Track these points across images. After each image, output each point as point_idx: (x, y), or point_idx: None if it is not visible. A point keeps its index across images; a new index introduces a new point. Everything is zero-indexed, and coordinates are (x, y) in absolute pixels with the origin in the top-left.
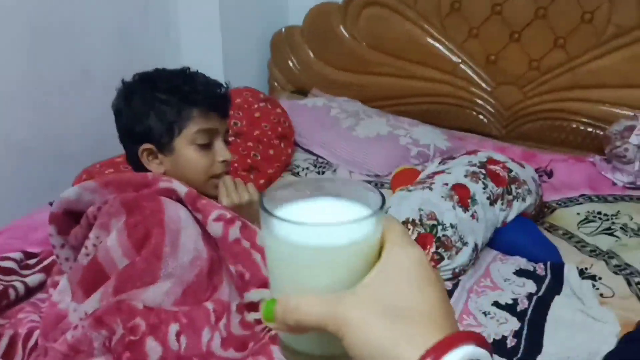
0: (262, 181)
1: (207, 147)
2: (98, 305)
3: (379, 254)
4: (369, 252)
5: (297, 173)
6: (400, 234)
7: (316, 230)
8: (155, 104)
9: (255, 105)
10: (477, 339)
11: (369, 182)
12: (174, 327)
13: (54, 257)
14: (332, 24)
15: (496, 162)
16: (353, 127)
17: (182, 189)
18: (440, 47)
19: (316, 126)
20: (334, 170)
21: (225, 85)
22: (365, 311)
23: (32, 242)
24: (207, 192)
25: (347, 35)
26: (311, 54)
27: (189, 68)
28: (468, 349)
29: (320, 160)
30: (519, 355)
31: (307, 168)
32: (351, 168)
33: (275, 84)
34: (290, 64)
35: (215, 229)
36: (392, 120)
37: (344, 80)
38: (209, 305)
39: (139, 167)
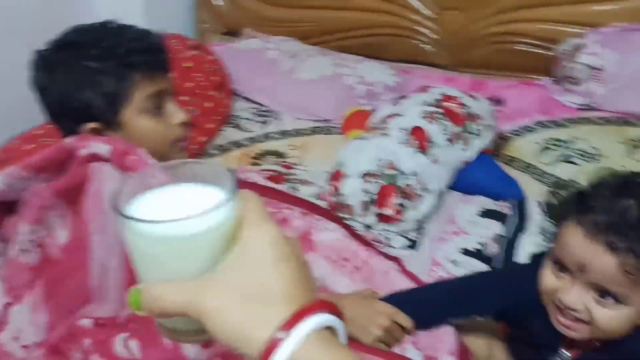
0: (203, 139)
1: (158, 112)
2: (43, 330)
3: (238, 233)
4: (227, 236)
5: (239, 125)
6: (255, 212)
7: (166, 225)
8: (88, 75)
9: (185, 54)
10: (330, 307)
11: (318, 127)
12: (121, 337)
13: None
14: None
15: (451, 98)
16: (294, 70)
17: (103, 149)
18: None
19: (254, 71)
20: (279, 118)
21: (159, 37)
22: (222, 297)
23: None
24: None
25: None
26: None
27: (110, 21)
28: (320, 318)
29: (262, 108)
30: None
31: (249, 118)
32: (296, 114)
33: (205, 26)
34: (219, 3)
35: None
36: (336, 59)
37: (278, 16)
38: None
39: None
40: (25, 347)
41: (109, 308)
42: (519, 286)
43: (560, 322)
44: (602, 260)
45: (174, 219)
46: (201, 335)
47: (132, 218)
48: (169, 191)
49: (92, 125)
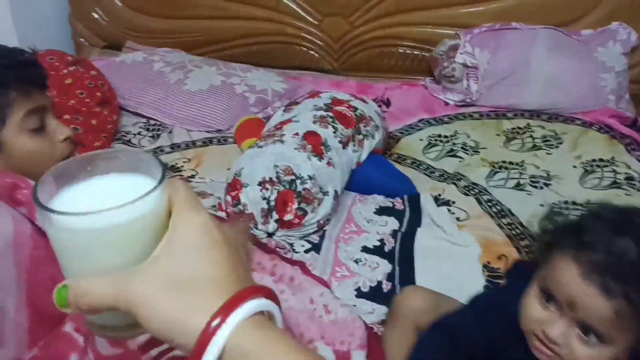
0: None
1: (40, 130)
2: None
3: (168, 221)
4: (156, 224)
5: (129, 141)
6: (184, 200)
7: (90, 217)
8: None
9: (65, 71)
10: (264, 292)
11: (211, 138)
12: None
13: None
14: None
15: (341, 102)
16: (182, 81)
17: None
18: None
19: (140, 85)
20: (170, 132)
21: (31, 50)
22: (152, 287)
23: None
24: None
25: None
26: (118, 1)
27: None
28: (254, 303)
29: (152, 122)
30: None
31: (139, 133)
32: (188, 126)
33: (82, 40)
34: (96, 15)
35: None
36: (223, 68)
37: (160, 27)
38: (68, 326)
39: None
40: None
41: (7, 352)
42: (504, 313)
43: (539, 350)
44: (594, 301)
45: (96, 211)
46: (133, 329)
47: (52, 211)
48: (94, 182)
49: None
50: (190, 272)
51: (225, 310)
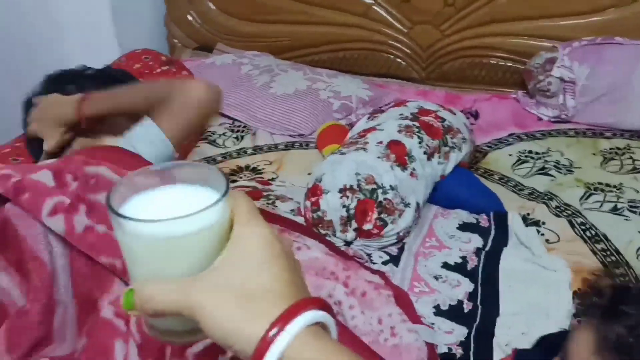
0: (177, 155)
1: None
2: None
3: (230, 233)
4: (219, 235)
5: (214, 141)
6: (246, 213)
7: (163, 224)
8: None
9: (158, 70)
10: (319, 303)
11: (293, 142)
12: None
13: None
14: None
15: (428, 112)
16: (268, 84)
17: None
18: None
19: (228, 86)
20: (253, 134)
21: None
22: (215, 296)
23: None
24: None
25: None
26: (212, 5)
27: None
28: (311, 314)
29: (237, 124)
30: (477, 320)
31: (224, 134)
32: (271, 129)
33: (176, 41)
34: (190, 17)
35: (56, 224)
36: (310, 73)
37: (250, 31)
38: (107, 311)
39: None
40: None
41: (67, 346)
42: None
43: None
44: None
45: (168, 219)
46: (194, 335)
47: (127, 217)
48: (162, 192)
49: None
50: (251, 283)
51: (284, 320)
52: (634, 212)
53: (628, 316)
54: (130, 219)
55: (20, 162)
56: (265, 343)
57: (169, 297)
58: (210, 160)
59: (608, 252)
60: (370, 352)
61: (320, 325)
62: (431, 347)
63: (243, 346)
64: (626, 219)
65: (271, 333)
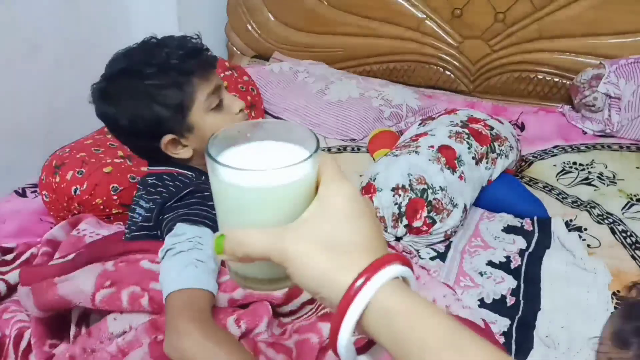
0: None
1: (219, 106)
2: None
3: (316, 189)
4: (307, 189)
5: None
6: (333, 171)
7: (257, 174)
8: (152, 93)
9: (222, 75)
10: (403, 260)
11: (345, 146)
12: (232, 318)
13: (32, 250)
14: None
15: (477, 121)
16: (323, 91)
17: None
18: (405, 3)
19: (285, 92)
20: None
21: (196, 36)
22: (304, 245)
23: (4, 235)
24: None
25: None
26: (270, 16)
27: (146, 40)
28: (395, 268)
29: None
30: (520, 313)
31: None
32: (324, 133)
33: (235, 49)
34: (249, 27)
35: None
36: (362, 82)
37: (306, 42)
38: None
39: (155, 157)
40: None
41: None
42: None
43: None
44: None
45: (261, 169)
46: (276, 283)
47: (223, 165)
48: (256, 145)
49: (168, 137)
50: (340, 235)
51: (370, 271)
52: None
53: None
54: (227, 166)
55: (102, 152)
56: (352, 292)
57: (260, 242)
58: None
59: None
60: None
61: (402, 280)
62: (486, 323)
63: (330, 294)
64: None
65: (358, 283)
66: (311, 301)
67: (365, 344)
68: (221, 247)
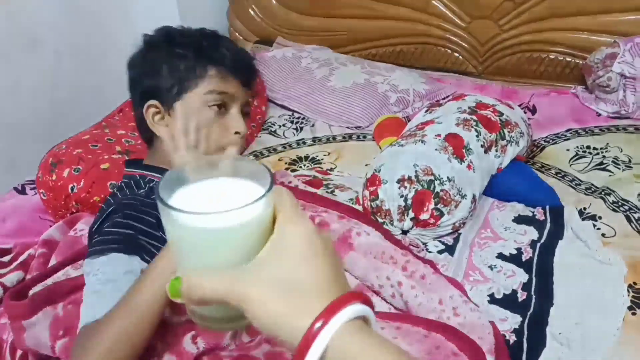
0: None
1: (220, 113)
2: None
3: (274, 225)
4: (263, 228)
5: (275, 131)
6: (289, 209)
7: (209, 217)
8: (170, 58)
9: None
10: (361, 298)
11: (351, 134)
12: (189, 335)
13: (30, 251)
14: None
15: (486, 106)
16: (327, 77)
17: None
18: None
19: (288, 79)
20: (312, 125)
21: (253, 57)
22: (261, 288)
23: (2, 234)
24: None
25: None
26: (273, 0)
27: (210, 29)
28: (354, 308)
29: (296, 115)
30: (531, 309)
31: (284, 125)
32: (329, 121)
33: (237, 34)
34: (252, 12)
35: None
36: (368, 67)
37: (310, 25)
38: None
39: (144, 129)
40: None
41: None
42: None
43: None
44: None
45: (214, 212)
46: (234, 322)
47: (175, 209)
48: (208, 184)
49: (153, 102)
50: (296, 277)
51: (328, 314)
52: None
53: None
54: (179, 210)
55: (99, 147)
56: (310, 336)
57: (217, 285)
58: (272, 150)
59: None
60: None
61: (362, 319)
62: (494, 325)
63: (289, 337)
64: None
65: (316, 326)
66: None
67: None
68: (177, 290)
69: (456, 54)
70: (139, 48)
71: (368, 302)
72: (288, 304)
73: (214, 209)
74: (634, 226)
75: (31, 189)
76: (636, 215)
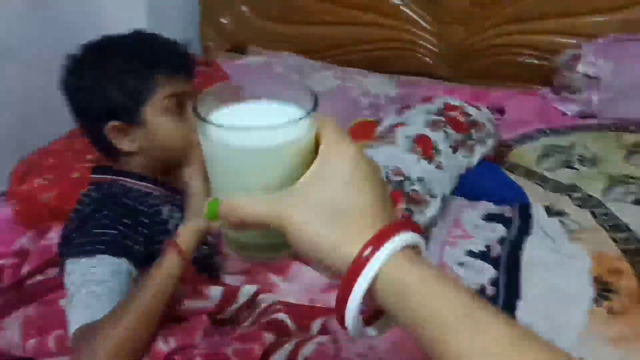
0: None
1: (180, 114)
2: None
3: (317, 152)
4: (305, 151)
5: None
6: (334, 132)
7: (250, 134)
8: (113, 74)
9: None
10: (412, 226)
11: None
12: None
13: (2, 262)
14: None
15: (453, 108)
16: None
17: None
18: None
19: None
20: None
21: (186, 45)
22: (305, 211)
23: None
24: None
25: None
26: (245, 8)
27: (142, 30)
28: (404, 236)
29: None
30: (499, 303)
31: None
32: None
33: (209, 43)
34: (224, 20)
35: None
36: (339, 72)
37: (283, 32)
38: None
39: (106, 147)
40: None
41: None
42: None
43: None
44: None
45: (253, 127)
46: (276, 251)
47: (214, 124)
48: (249, 105)
49: (115, 123)
50: (342, 200)
51: (378, 240)
52: None
53: None
54: (218, 125)
55: (70, 156)
56: (359, 262)
57: (259, 207)
58: None
59: (629, 241)
60: None
61: (412, 248)
62: None
63: (335, 263)
64: None
65: (365, 253)
66: (249, 308)
67: (372, 315)
68: (215, 212)
69: (427, 59)
70: (69, 70)
71: (419, 230)
72: (334, 229)
73: (253, 125)
74: (598, 221)
75: (3, 200)
76: (601, 211)
